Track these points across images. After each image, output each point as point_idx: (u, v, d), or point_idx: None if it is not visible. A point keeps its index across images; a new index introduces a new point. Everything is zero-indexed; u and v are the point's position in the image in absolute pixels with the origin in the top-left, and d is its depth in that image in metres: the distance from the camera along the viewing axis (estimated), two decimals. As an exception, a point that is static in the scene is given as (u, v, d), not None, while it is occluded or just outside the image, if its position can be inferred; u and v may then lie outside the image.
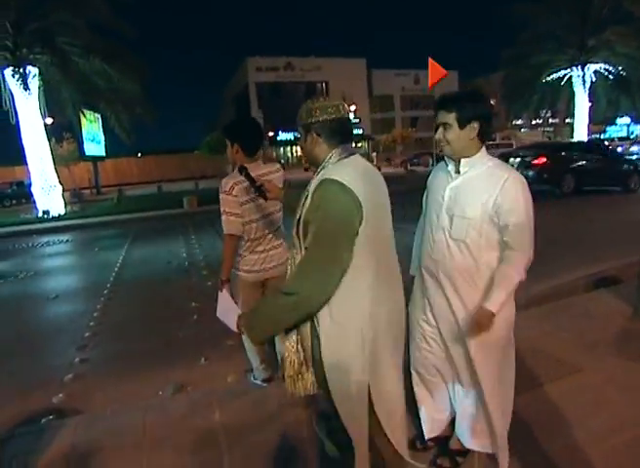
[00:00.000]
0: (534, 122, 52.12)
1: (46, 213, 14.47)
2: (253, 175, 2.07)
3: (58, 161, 31.43)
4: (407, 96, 54.32)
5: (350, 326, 1.42)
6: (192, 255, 7.63)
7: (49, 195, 14.59)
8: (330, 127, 1.46)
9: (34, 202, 14.83)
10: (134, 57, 14.31)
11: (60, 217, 14.49)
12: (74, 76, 12.66)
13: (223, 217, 2.42)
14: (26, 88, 12.38)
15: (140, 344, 4.03)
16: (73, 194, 27.74)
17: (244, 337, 2.44)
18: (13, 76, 12.76)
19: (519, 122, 51.68)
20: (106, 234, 11.66)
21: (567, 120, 34.79)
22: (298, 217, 1.46)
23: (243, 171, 2.09)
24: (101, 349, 3.99)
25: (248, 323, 1.53)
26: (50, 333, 4.54)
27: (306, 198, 1.44)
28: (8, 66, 13.08)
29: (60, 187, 15.00)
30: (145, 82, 14.71)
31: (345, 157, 1.46)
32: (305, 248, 1.41)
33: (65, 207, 15.39)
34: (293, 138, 44.15)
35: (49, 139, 30.32)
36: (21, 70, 12.48)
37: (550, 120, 50.34)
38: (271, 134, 42.92)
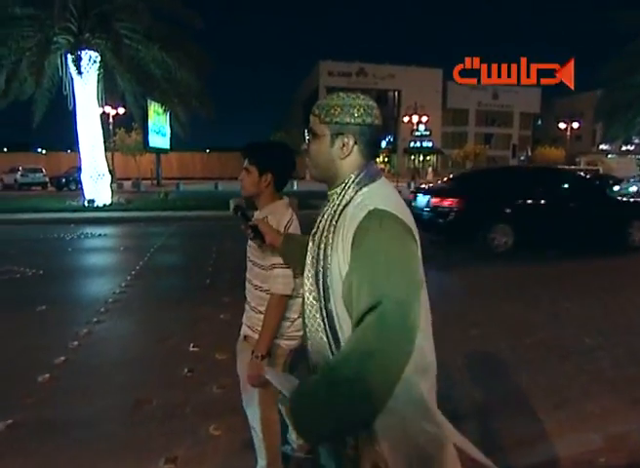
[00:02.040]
0: (624, 148, 47.53)
1: (91, 202, 14.15)
2: (274, 218, 1.79)
3: (125, 150, 32.75)
4: (483, 111, 51.58)
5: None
6: (217, 273, 6.50)
7: (96, 184, 14.26)
8: (370, 134, 1.14)
9: (82, 189, 14.53)
10: (195, 47, 13.67)
11: (104, 208, 14.14)
12: (128, 62, 12.17)
13: (277, 272, 1.79)
14: (79, 72, 12.04)
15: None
16: (134, 184, 28.35)
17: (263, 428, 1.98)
18: (72, 60, 12.46)
19: (606, 147, 47.36)
20: (141, 232, 11.11)
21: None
22: (322, 270, 1.09)
23: (238, 210, 1.74)
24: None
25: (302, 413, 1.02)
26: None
27: (332, 240, 1.08)
28: (72, 51, 12.84)
29: (108, 177, 14.66)
30: (205, 74, 14.13)
31: (378, 177, 1.14)
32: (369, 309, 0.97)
33: (112, 197, 15.02)
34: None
35: (118, 128, 31.54)
36: (77, 54, 12.11)
37: (645, 147, 45.58)
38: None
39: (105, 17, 12.38)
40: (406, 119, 41.71)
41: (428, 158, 49.15)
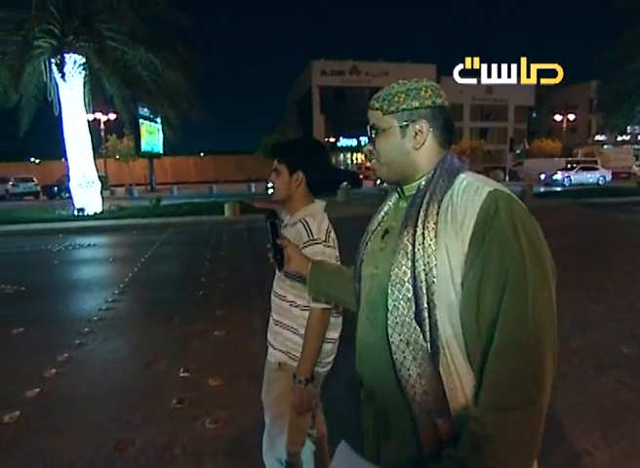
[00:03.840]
0: (619, 138, 47.27)
1: (81, 210, 13.67)
2: (314, 221, 1.58)
3: (117, 157, 32.35)
4: (477, 105, 51.16)
5: None
6: (212, 283, 6.09)
7: (86, 192, 13.79)
8: (444, 117, 1.01)
9: (71, 198, 14.05)
10: (182, 47, 13.23)
11: (94, 216, 13.66)
12: (114, 64, 11.74)
13: None
14: (63, 77, 11.59)
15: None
16: (128, 190, 27.95)
17: None
18: (55, 64, 11.99)
19: (601, 138, 47.13)
20: (133, 240, 10.70)
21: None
22: (421, 274, 0.91)
23: (271, 218, 1.41)
24: None
25: None
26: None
27: (432, 235, 0.92)
28: (55, 55, 12.38)
29: (98, 184, 14.19)
30: (194, 75, 13.69)
31: (465, 169, 1.01)
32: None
33: (103, 204, 14.56)
34: (355, 145, 42.77)
35: (109, 135, 31.13)
36: (59, 58, 11.65)
37: (641, 137, 45.38)
38: (332, 139, 41.90)
39: (89, 18, 11.92)
40: (400, 116, 41.25)
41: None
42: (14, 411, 2.94)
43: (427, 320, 0.91)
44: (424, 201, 0.96)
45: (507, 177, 32.81)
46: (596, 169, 29.46)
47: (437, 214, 0.93)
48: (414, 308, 0.92)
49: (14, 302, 5.56)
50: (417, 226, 0.94)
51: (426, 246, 0.92)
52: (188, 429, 2.72)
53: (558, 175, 28.07)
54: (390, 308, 0.96)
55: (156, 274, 6.90)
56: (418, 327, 0.92)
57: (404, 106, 1.00)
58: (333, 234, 1.66)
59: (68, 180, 14.09)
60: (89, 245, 9.95)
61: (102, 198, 14.74)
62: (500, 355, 0.85)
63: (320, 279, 1.37)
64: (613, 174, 29.77)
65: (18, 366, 3.69)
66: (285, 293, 1.69)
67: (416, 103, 1.00)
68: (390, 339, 0.96)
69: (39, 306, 5.36)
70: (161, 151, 30.14)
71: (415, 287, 0.92)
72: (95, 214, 13.88)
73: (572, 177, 27.88)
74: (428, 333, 0.91)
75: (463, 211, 0.90)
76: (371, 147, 1.09)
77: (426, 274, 0.91)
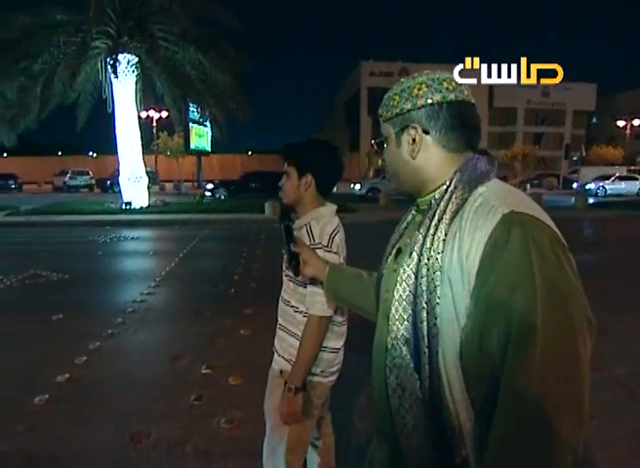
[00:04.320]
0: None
1: (128, 204, 14.25)
2: (317, 225, 1.52)
3: (168, 153, 33.48)
4: (532, 109, 49.23)
5: None
6: (244, 281, 6.14)
7: (134, 186, 14.37)
8: (448, 115, 0.85)
9: (120, 192, 14.68)
10: (230, 48, 13.52)
11: (141, 210, 14.18)
12: (164, 63, 12.18)
13: (314, 289, 1.45)
14: (116, 75, 12.13)
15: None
16: (176, 186, 28.92)
17: None
18: (110, 64, 12.60)
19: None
20: (174, 235, 11.04)
21: None
22: (425, 308, 0.79)
23: (284, 221, 1.38)
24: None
25: None
26: None
27: (438, 263, 0.78)
28: (110, 54, 12.98)
29: (146, 179, 14.76)
30: (240, 75, 13.94)
31: (490, 177, 0.84)
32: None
33: (149, 199, 15.09)
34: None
35: (161, 132, 32.27)
36: (114, 57, 12.21)
37: None
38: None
39: (142, 19, 12.43)
40: (449, 119, 40.32)
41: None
42: (44, 394, 3.07)
43: (427, 366, 0.79)
44: (432, 223, 0.82)
45: (561, 185, 31.25)
46: (636, 179, 26.71)
47: (444, 240, 0.79)
48: (412, 350, 0.82)
49: (57, 289, 5.84)
50: (421, 254, 0.81)
51: (430, 279, 0.79)
52: (203, 427, 2.73)
53: (591, 185, 25.73)
54: (389, 347, 0.86)
55: (192, 269, 7.04)
56: (415, 373, 0.81)
57: (397, 110, 0.89)
58: (338, 239, 1.56)
59: (118, 175, 14.74)
60: (132, 238, 10.33)
61: (150, 193, 15.30)
62: (503, 419, 0.72)
63: (338, 284, 1.27)
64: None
65: (53, 351, 3.84)
66: (289, 298, 1.65)
67: (408, 105, 0.87)
68: (388, 381, 0.86)
69: (79, 294, 5.59)
70: (209, 149, 30.93)
71: (415, 326, 0.80)
72: (141, 208, 14.44)
73: (607, 187, 25.49)
74: (427, 382, 0.79)
75: (470, 239, 0.75)
76: (380, 158, 1.00)
77: (428, 313, 0.78)
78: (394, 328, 0.84)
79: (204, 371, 3.45)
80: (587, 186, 25.66)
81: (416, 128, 0.87)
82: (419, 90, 0.86)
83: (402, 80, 0.91)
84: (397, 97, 0.88)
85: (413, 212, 0.99)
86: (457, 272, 0.76)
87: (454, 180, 0.84)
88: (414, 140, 0.88)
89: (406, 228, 0.99)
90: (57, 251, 8.55)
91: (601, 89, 47.86)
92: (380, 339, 0.91)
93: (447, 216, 0.80)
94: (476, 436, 0.77)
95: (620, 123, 42.08)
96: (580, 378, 0.69)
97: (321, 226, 1.54)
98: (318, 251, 1.48)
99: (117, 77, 12.37)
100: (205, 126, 26.93)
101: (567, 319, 0.70)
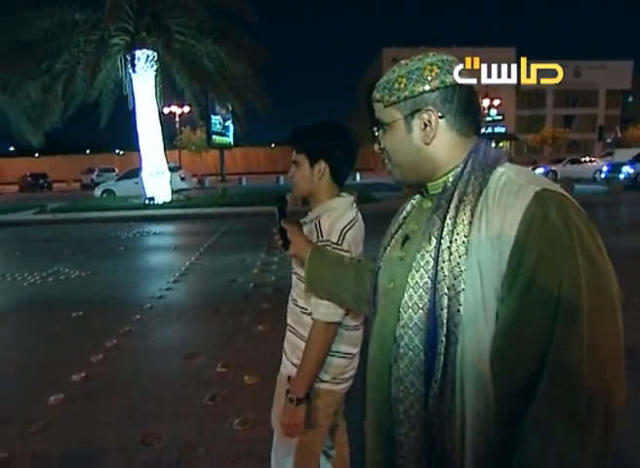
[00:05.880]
0: None
1: (151, 199, 14.40)
2: (326, 220, 1.36)
3: (191, 148, 33.88)
4: (562, 90, 47.36)
5: None
6: (263, 275, 6.08)
7: (156, 181, 14.48)
8: (460, 98, 0.83)
9: (143, 187, 14.84)
10: (247, 39, 13.39)
11: (163, 205, 14.31)
12: (182, 57, 12.18)
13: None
14: (135, 71, 12.21)
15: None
16: (199, 180, 29.22)
17: None
18: (129, 60, 12.68)
19: None
20: (196, 229, 11.10)
21: None
22: (447, 296, 0.75)
23: (279, 202, 1.36)
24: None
25: None
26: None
27: (463, 248, 0.75)
28: (129, 50, 13.06)
29: (167, 174, 14.86)
30: (259, 67, 13.81)
31: (503, 161, 0.82)
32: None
33: (172, 194, 15.21)
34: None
35: (183, 127, 32.60)
36: (132, 53, 12.28)
37: None
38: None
39: (159, 14, 12.43)
40: (475, 104, 39.31)
41: (501, 144, 46.05)
42: (59, 394, 3.05)
43: (442, 356, 0.75)
44: (452, 205, 0.78)
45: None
46: None
47: (470, 223, 0.76)
48: (424, 340, 0.77)
49: (79, 286, 5.90)
50: (442, 238, 0.77)
51: (454, 264, 0.75)
52: (216, 429, 2.64)
53: (628, 168, 19.95)
54: (397, 336, 0.82)
55: (211, 263, 6.99)
56: (424, 364, 0.78)
57: (406, 93, 0.84)
58: (350, 235, 1.40)
59: (140, 170, 14.89)
60: (154, 233, 10.41)
61: (172, 187, 15.42)
62: (548, 410, 0.69)
63: (320, 269, 1.22)
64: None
65: (70, 349, 3.84)
66: (297, 297, 1.52)
67: (420, 88, 0.83)
68: (391, 370, 0.82)
69: (99, 291, 5.62)
70: (232, 142, 31.08)
71: (433, 313, 0.76)
72: (164, 203, 14.57)
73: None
74: (439, 372, 0.75)
75: (502, 216, 0.73)
76: (377, 147, 0.93)
77: (450, 299, 0.74)
78: (406, 316, 0.81)
79: (219, 370, 3.37)
80: (623, 169, 23.31)
81: (432, 110, 0.83)
82: (430, 71, 0.83)
83: (403, 62, 0.87)
84: (404, 80, 0.84)
85: (414, 200, 0.97)
86: (487, 253, 0.73)
87: (469, 162, 0.82)
88: (426, 125, 0.84)
89: (405, 218, 0.97)
90: (80, 248, 8.68)
91: (638, 65, 45.67)
92: (383, 330, 0.87)
93: (470, 199, 0.77)
94: (474, 427, 0.75)
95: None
96: (622, 353, 0.72)
97: (331, 221, 1.38)
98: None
99: (136, 72, 12.46)
100: (227, 119, 27.04)
101: (610, 298, 0.71)
